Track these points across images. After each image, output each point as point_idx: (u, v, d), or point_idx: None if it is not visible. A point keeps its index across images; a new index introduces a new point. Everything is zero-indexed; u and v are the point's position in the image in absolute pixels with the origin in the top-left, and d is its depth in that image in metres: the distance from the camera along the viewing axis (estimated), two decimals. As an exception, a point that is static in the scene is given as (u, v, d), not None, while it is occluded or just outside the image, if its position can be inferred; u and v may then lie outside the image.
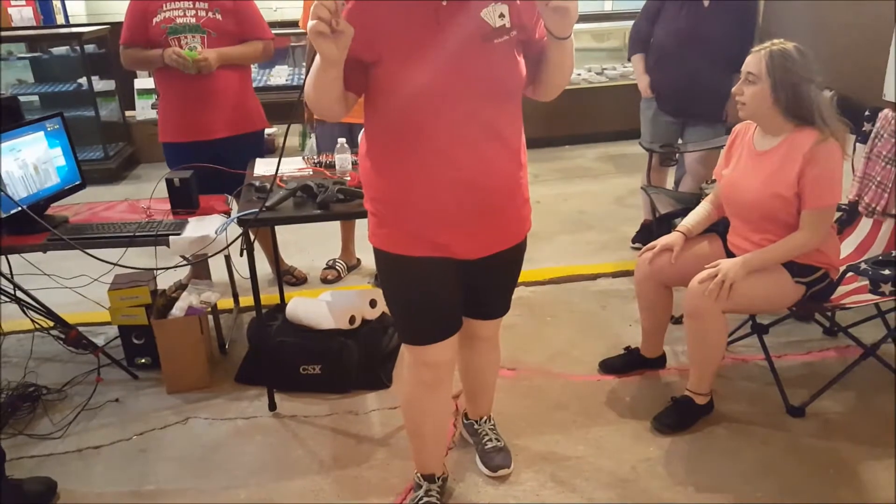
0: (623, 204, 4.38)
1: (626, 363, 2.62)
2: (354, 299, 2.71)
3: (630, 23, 3.55)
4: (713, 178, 3.24)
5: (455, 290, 1.73)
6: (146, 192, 2.65)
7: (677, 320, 2.67)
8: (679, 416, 2.29)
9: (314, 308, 2.65)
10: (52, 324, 2.68)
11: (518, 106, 1.61)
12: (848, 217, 2.64)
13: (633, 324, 2.87)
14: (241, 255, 2.34)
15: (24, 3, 5.52)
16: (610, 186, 4.71)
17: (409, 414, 1.92)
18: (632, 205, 4.23)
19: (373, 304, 2.72)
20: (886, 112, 2.53)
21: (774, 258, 2.11)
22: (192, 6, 2.76)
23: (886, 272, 1.97)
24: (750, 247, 2.20)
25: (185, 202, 2.57)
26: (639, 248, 3.62)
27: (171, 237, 2.36)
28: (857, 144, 2.65)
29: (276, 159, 2.86)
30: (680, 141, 3.43)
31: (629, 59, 3.55)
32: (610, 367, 2.62)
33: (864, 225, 2.58)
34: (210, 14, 2.78)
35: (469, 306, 1.84)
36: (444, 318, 1.75)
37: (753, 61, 2.12)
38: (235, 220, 2.25)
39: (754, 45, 3.43)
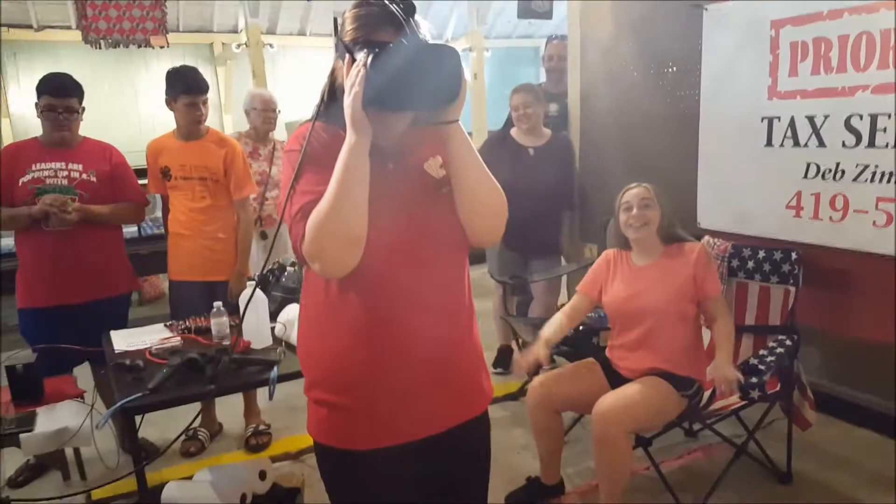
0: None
1: (530, 494, 2.63)
2: (241, 474, 2.45)
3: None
4: (559, 303, 3.55)
5: (421, 483, 1.51)
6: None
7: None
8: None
9: (197, 493, 2.34)
10: None
11: (465, 257, 1.52)
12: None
13: (521, 450, 2.91)
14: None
15: None
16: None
17: None
18: (482, 330, 4.35)
19: (262, 475, 2.48)
20: (707, 239, 2.95)
21: (731, 346, 2.42)
22: (64, 167, 2.61)
23: (753, 379, 2.26)
24: (634, 359, 2.43)
25: (29, 392, 2.21)
26: (500, 373, 3.77)
27: (21, 435, 2.00)
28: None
29: (133, 330, 2.63)
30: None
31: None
32: (515, 501, 2.61)
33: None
34: (85, 176, 2.65)
35: None
36: None
37: (641, 192, 2.45)
38: (117, 409, 1.97)
39: (574, 185, 3.91)
